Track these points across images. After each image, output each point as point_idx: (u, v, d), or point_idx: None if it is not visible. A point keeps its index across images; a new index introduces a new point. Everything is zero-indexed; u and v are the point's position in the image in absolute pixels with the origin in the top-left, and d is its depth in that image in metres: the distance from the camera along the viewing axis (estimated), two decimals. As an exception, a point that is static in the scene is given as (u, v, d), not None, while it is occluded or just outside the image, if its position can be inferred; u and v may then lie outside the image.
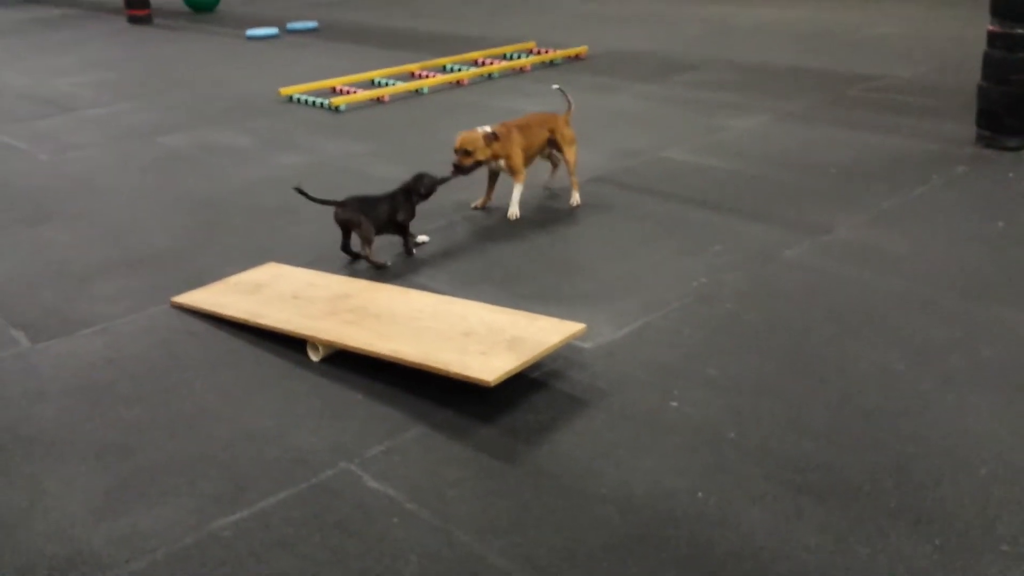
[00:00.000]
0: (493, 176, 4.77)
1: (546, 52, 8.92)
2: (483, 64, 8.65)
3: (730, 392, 2.93)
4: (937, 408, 2.82)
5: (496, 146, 4.52)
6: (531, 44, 9.33)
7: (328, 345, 3.22)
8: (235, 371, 3.24)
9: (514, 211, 4.64)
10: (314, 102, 7.42)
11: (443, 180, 4.40)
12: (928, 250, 4.01)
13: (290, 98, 7.65)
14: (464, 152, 4.46)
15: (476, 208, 4.80)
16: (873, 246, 4.08)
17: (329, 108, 7.24)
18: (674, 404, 2.87)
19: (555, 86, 5.34)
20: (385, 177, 5.42)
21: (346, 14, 12.81)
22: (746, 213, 4.56)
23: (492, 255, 4.21)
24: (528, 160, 4.74)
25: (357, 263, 4.17)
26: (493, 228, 4.55)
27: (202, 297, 3.76)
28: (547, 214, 4.69)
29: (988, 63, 5.32)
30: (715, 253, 4.09)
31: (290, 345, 3.36)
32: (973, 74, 7.32)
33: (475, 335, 3.09)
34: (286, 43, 10.65)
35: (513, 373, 2.82)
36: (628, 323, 3.45)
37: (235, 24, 12.23)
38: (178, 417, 2.97)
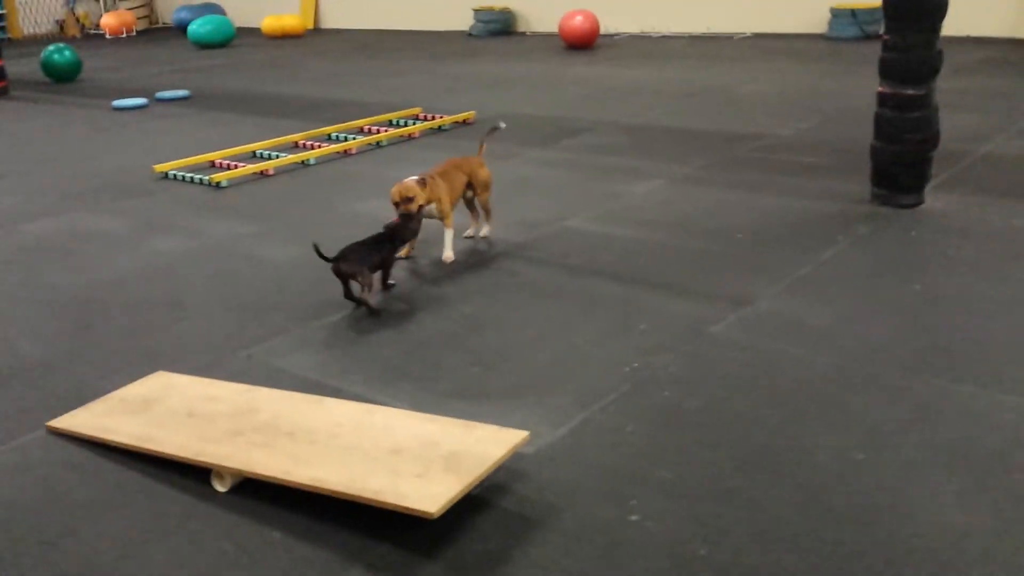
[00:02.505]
0: None
1: (434, 118, 8.74)
2: (370, 132, 8.40)
3: (689, 499, 2.72)
4: (907, 502, 2.68)
5: (427, 192, 4.69)
6: (417, 110, 9.15)
7: (236, 474, 2.84)
8: (128, 512, 2.81)
9: (449, 254, 4.88)
10: (192, 178, 6.98)
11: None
12: (853, 320, 3.95)
13: (165, 175, 7.18)
14: (406, 200, 4.58)
15: (401, 257, 4.89)
16: (797, 318, 3.99)
17: (209, 184, 6.82)
18: (634, 518, 2.63)
19: (502, 124, 5.64)
20: (277, 260, 5.07)
21: (218, 80, 12.35)
22: (663, 286, 4.43)
23: (406, 344, 3.91)
24: (452, 204, 4.94)
25: (358, 309, 4.30)
26: (404, 311, 4.26)
27: (83, 420, 3.31)
28: (457, 288, 4.43)
29: (880, 123, 5.43)
30: (641, 333, 3.91)
31: (190, 473, 2.96)
32: (852, 130, 7.58)
33: (406, 452, 2.78)
34: (156, 113, 10.12)
35: (457, 499, 2.52)
36: (565, 421, 3.21)
37: (100, 94, 11.58)
38: (62, 577, 2.53)
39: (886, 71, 5.31)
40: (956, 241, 4.86)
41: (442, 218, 4.87)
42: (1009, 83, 9.19)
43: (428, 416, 3.06)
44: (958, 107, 7.67)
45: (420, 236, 4.88)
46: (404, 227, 4.55)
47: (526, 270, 4.76)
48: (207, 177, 6.85)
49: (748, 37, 14.34)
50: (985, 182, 5.87)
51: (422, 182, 4.67)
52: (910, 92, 5.23)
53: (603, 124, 8.32)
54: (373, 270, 4.36)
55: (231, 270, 4.97)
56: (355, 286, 4.29)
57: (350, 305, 4.35)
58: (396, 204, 4.62)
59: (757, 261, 4.72)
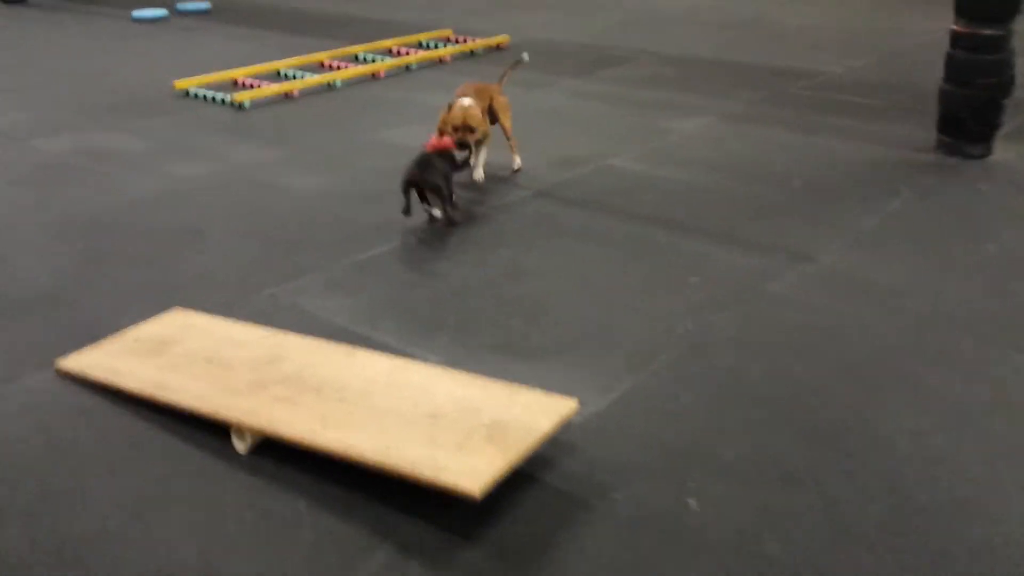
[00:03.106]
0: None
1: (465, 41, 8.32)
2: (399, 54, 8.01)
3: (753, 483, 2.47)
4: (996, 496, 2.43)
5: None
6: (448, 32, 8.72)
7: (258, 433, 2.61)
8: (140, 470, 2.60)
9: (480, 173, 4.81)
10: (214, 98, 6.65)
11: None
12: (924, 282, 3.64)
13: (186, 92, 6.85)
14: (468, 129, 4.49)
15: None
16: (864, 277, 3.69)
17: (231, 105, 6.49)
18: (692, 503, 2.39)
19: (525, 57, 5.39)
20: (303, 190, 4.79)
21: (241, -7, 11.87)
22: (715, 235, 4.13)
23: (442, 292, 3.64)
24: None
25: (432, 223, 4.27)
26: (438, 252, 3.98)
27: (94, 360, 3.08)
28: (492, 230, 4.14)
29: (951, 65, 5.02)
30: (693, 287, 3.63)
31: (207, 427, 2.73)
32: (910, 70, 7.15)
33: (444, 418, 2.54)
34: (177, 26, 9.72)
35: (501, 478, 2.28)
36: (614, 385, 2.95)
37: (120, 4, 11.17)
38: (65, 543, 2.32)
39: (962, 8, 4.88)
40: (1030, 197, 4.51)
41: (482, 141, 4.74)
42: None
43: (468, 376, 2.80)
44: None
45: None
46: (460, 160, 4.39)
47: (566, 212, 4.46)
48: (229, 96, 6.52)
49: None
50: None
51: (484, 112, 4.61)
52: (987, 32, 4.81)
53: (644, 54, 7.89)
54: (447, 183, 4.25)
55: (253, 199, 4.69)
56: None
57: (379, 242, 4.08)
58: (456, 129, 4.48)
59: (816, 211, 4.39)
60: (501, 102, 5.01)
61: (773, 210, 4.42)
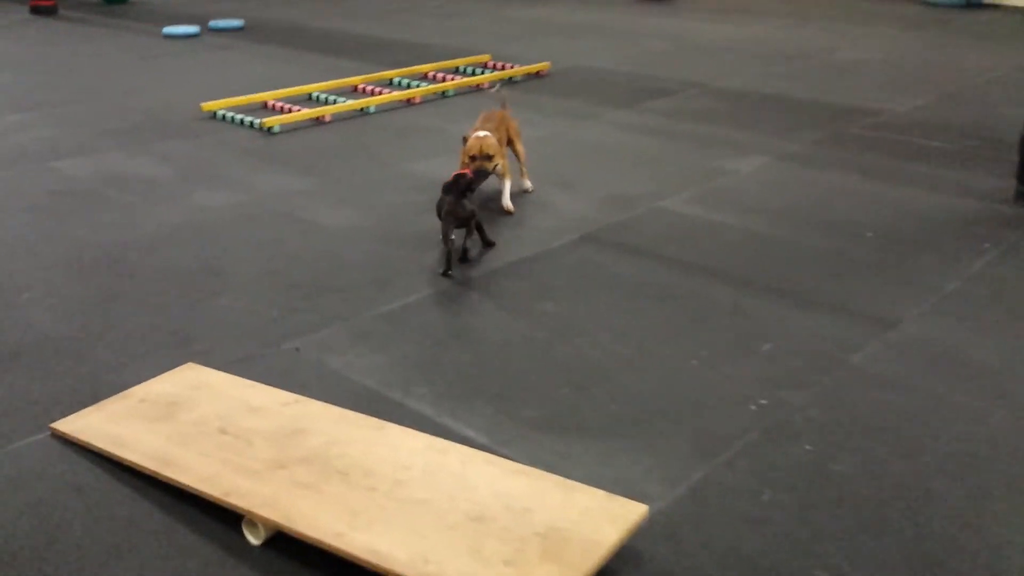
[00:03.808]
0: None
1: (504, 67, 8.01)
2: (435, 79, 7.70)
3: (858, 615, 2.08)
4: None
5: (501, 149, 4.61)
6: (486, 57, 8.41)
7: (275, 527, 2.25)
8: (138, 563, 2.24)
9: (508, 202, 4.69)
10: (242, 120, 6.36)
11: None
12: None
13: (214, 114, 6.57)
14: (486, 157, 4.45)
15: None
16: (954, 350, 3.29)
17: (260, 129, 6.20)
18: (788, 642, 2.00)
19: (496, 86, 5.35)
20: (332, 226, 4.46)
21: (274, 12, 11.67)
22: (785, 293, 3.74)
23: (481, 352, 3.28)
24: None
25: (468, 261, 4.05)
26: (476, 304, 3.63)
27: (94, 424, 2.74)
28: (535, 279, 3.78)
29: (1038, 112, 4.63)
30: (765, 356, 3.24)
31: (217, 512, 2.38)
32: (976, 111, 6.75)
33: (491, 521, 2.17)
34: (208, 44, 9.50)
35: (562, 609, 1.91)
36: (683, 477, 2.57)
37: (151, 19, 10.99)
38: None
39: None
40: None
41: (501, 174, 4.67)
42: None
43: (515, 465, 2.44)
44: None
45: (483, 212, 4.30)
46: (475, 182, 4.12)
47: (617, 261, 4.09)
48: (258, 121, 6.23)
49: (840, -3, 13.28)
50: None
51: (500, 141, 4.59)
52: (1083, 76, 4.41)
53: (691, 86, 7.53)
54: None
55: (279, 236, 4.36)
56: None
57: (411, 289, 3.73)
58: (473, 158, 4.45)
59: (893, 268, 4.00)
60: (514, 127, 5.02)
61: (845, 266, 4.02)
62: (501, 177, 4.72)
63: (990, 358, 3.23)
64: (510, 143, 4.97)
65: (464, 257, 4.05)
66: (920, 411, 2.90)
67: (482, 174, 4.31)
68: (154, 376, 3.07)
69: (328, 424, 2.67)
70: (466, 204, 3.97)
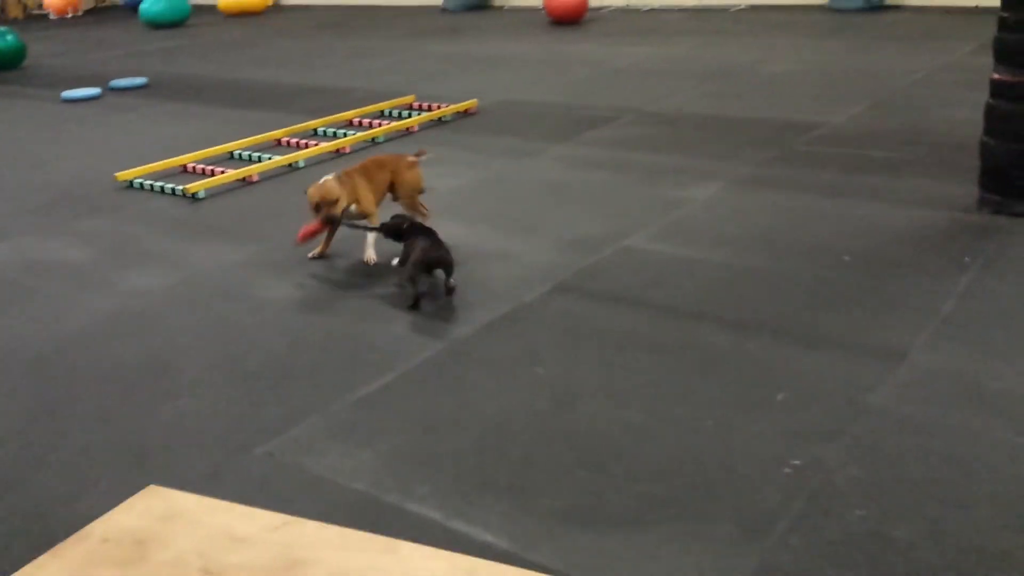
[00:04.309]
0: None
1: (432, 107, 7.74)
2: (360, 125, 7.39)
3: None
4: None
5: (348, 191, 4.36)
6: (410, 98, 8.14)
7: None
8: None
9: (371, 254, 4.47)
10: (163, 188, 5.93)
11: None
12: (1046, 382, 3.09)
13: (130, 183, 6.13)
14: (328, 203, 4.24)
15: (314, 257, 4.58)
16: (974, 379, 3.13)
17: (184, 195, 5.78)
18: None
19: (423, 156, 4.85)
20: (281, 300, 4.10)
21: (178, 66, 11.18)
22: (782, 332, 3.55)
23: (479, 434, 2.98)
24: (376, 203, 4.57)
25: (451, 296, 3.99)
26: (460, 377, 3.32)
27: (51, 580, 2.34)
28: (518, 339, 3.50)
29: (994, 117, 4.57)
30: (782, 407, 3.02)
31: (218, 677, 2.02)
32: (910, 116, 6.76)
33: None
34: (112, 106, 8.99)
35: None
36: (739, 566, 2.31)
37: (47, 83, 10.40)
38: None
39: (1005, 55, 4.46)
40: (1110, 261, 4.04)
41: (366, 216, 4.51)
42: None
43: (560, 580, 2.14)
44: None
45: (455, 259, 4.03)
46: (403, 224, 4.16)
47: (598, 311, 3.84)
48: (180, 187, 5.81)
49: (744, 9, 13.47)
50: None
51: (340, 180, 4.36)
52: (1036, 80, 4.37)
53: (625, 112, 7.39)
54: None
55: (226, 317, 3.99)
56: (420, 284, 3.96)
57: (384, 366, 3.41)
58: (317, 207, 4.26)
59: (882, 292, 3.85)
60: (408, 179, 4.66)
61: (834, 295, 3.86)
62: (368, 220, 4.49)
63: (1009, 386, 3.07)
64: (395, 194, 4.65)
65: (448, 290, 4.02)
66: (963, 455, 2.72)
67: (333, 222, 4.23)
68: (112, 504, 2.66)
69: (328, 551, 2.33)
70: (446, 251, 3.94)
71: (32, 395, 3.39)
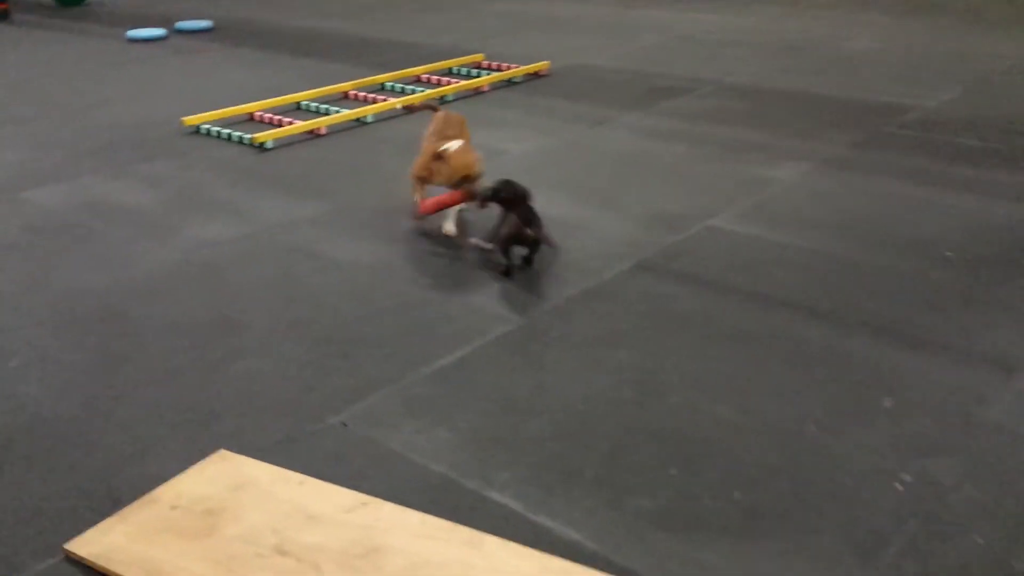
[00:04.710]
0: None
1: (500, 68, 7.51)
2: (428, 82, 7.19)
3: None
4: None
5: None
6: (479, 56, 7.91)
7: None
8: None
9: (450, 226, 4.23)
10: (230, 136, 5.81)
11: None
12: None
13: (197, 129, 6.01)
14: (474, 177, 4.01)
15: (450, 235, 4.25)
16: (1096, 396, 2.90)
17: (252, 145, 5.65)
18: None
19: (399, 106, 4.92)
20: (352, 261, 3.97)
21: (243, 11, 11.04)
22: (882, 330, 3.33)
23: (561, 419, 2.82)
24: None
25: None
26: (539, 355, 3.15)
27: (119, 544, 2.23)
28: (597, 319, 3.33)
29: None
30: (889, 415, 2.82)
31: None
32: (1007, 104, 6.41)
33: None
34: (177, 48, 8.87)
35: None
36: (849, 588, 2.14)
37: (113, 21, 10.32)
38: None
39: None
40: None
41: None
42: None
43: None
44: None
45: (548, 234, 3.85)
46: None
47: (682, 294, 3.65)
48: (248, 136, 5.69)
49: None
50: None
51: (469, 147, 4.10)
52: None
53: (701, 83, 7.11)
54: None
55: (295, 276, 3.86)
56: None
57: (460, 338, 3.26)
58: (463, 179, 3.99)
59: (988, 296, 3.60)
60: (467, 134, 4.42)
61: (937, 294, 3.62)
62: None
63: None
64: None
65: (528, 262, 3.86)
66: (1091, 482, 2.50)
67: (476, 197, 3.91)
68: (180, 467, 2.57)
69: (408, 538, 2.20)
70: (536, 220, 3.72)
71: (96, 346, 3.29)
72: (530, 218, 3.70)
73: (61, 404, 2.92)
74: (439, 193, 4.21)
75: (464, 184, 4.02)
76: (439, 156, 4.03)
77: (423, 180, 4.25)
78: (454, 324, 3.41)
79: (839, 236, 4.18)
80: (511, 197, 3.73)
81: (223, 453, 2.62)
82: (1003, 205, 4.52)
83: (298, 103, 6.57)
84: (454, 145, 4.06)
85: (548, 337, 3.32)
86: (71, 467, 2.61)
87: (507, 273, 3.77)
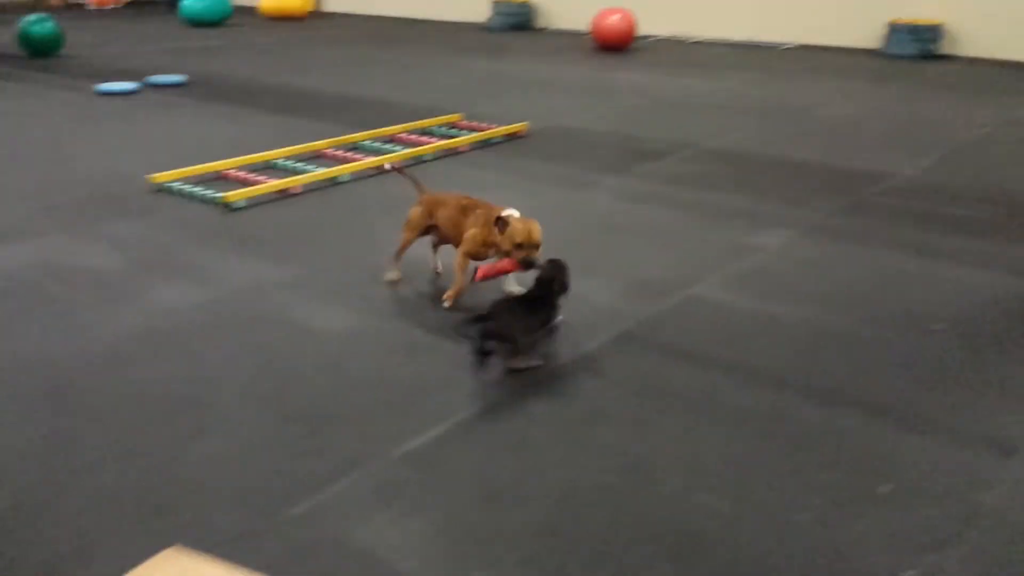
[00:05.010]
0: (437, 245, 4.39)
1: (480, 128, 7.44)
2: (403, 142, 7.09)
3: None
4: None
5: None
6: (456, 116, 7.85)
7: None
8: None
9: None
10: (199, 195, 5.64)
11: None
12: None
13: (165, 186, 5.84)
14: (533, 246, 3.68)
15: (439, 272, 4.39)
16: (1104, 484, 2.77)
17: (221, 204, 5.49)
18: None
19: (387, 166, 4.72)
20: (324, 328, 3.79)
21: (217, 65, 10.97)
22: (877, 409, 3.19)
23: (543, 506, 2.63)
24: None
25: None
26: (518, 434, 2.97)
27: (56, 660, 2.01)
28: (581, 398, 3.16)
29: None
30: (888, 502, 2.67)
31: None
32: (988, 172, 6.39)
33: None
34: (149, 102, 8.74)
35: None
36: None
37: (83, 74, 10.19)
38: None
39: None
40: None
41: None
42: None
43: None
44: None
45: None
46: (556, 280, 3.56)
47: (668, 368, 3.50)
48: (218, 195, 5.52)
49: (793, 48, 13.17)
50: None
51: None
52: None
53: (682, 146, 7.07)
54: (528, 336, 3.43)
55: (264, 345, 3.67)
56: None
57: (435, 415, 3.08)
58: (519, 246, 3.68)
59: (981, 371, 3.49)
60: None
61: (931, 370, 3.50)
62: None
63: None
64: (443, 238, 4.19)
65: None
66: (1109, 582, 2.36)
67: (530, 267, 3.64)
68: (128, 565, 2.34)
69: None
70: (490, 325, 3.34)
71: (47, 422, 3.07)
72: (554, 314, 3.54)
73: (2, 492, 2.70)
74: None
75: (522, 251, 3.67)
76: (501, 221, 3.76)
77: (476, 256, 3.99)
78: (431, 399, 3.23)
79: (827, 307, 4.07)
80: (559, 289, 3.54)
81: (176, 550, 2.40)
82: (989, 276, 4.44)
83: (271, 161, 6.44)
84: (512, 213, 3.80)
85: (529, 415, 3.15)
86: (6, 565, 2.38)
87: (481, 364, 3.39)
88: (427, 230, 4.27)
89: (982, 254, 4.74)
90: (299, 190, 5.80)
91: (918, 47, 12.11)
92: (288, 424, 3.06)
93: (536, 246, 3.68)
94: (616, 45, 12.95)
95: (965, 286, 4.33)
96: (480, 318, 3.34)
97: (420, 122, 7.59)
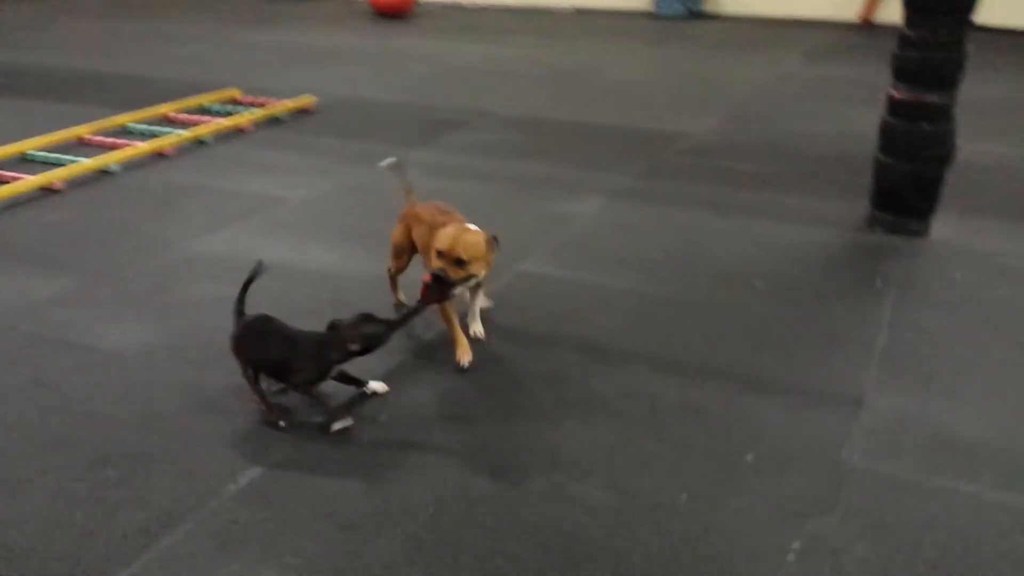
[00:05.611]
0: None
1: (264, 104, 6.91)
2: (179, 123, 6.45)
3: None
4: None
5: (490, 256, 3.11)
6: (234, 91, 7.25)
7: None
8: None
9: (478, 327, 3.45)
10: (-61, 199, 4.83)
11: (403, 320, 2.86)
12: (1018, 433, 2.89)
13: None
14: (458, 262, 2.98)
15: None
16: (945, 429, 2.87)
17: (-32, 209, 4.72)
18: None
19: (386, 161, 3.76)
20: (123, 349, 3.31)
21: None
22: (723, 375, 3.18)
23: (406, 527, 2.39)
24: None
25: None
26: (363, 451, 2.70)
27: None
28: (436, 391, 2.93)
29: (891, 136, 4.44)
30: (756, 471, 2.64)
31: None
32: (769, 128, 6.68)
33: None
34: None
35: None
36: None
37: None
38: None
39: (904, 72, 4.32)
40: (1012, 282, 3.98)
41: (479, 287, 3.40)
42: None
43: None
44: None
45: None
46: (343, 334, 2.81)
47: (511, 352, 3.33)
48: (-36, 198, 4.75)
49: (570, 13, 13.34)
50: (978, 201, 5.06)
51: (495, 242, 3.11)
52: (933, 99, 4.28)
53: (480, 115, 6.90)
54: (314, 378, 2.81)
55: (46, 374, 3.13)
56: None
57: (270, 441, 2.73)
58: (438, 254, 3.01)
59: (810, 324, 3.58)
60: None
61: (762, 327, 3.55)
62: (479, 291, 3.44)
63: (987, 435, 2.84)
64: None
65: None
66: (972, 523, 2.43)
67: (445, 290, 3.00)
68: None
69: None
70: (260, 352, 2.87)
71: None
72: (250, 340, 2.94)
73: None
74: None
75: (438, 262, 3.02)
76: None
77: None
78: (258, 421, 2.87)
79: (652, 273, 4.05)
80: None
81: (-27, 649, 1.95)
82: (791, 228, 4.60)
83: (23, 153, 5.63)
84: (459, 224, 3.17)
85: (374, 422, 2.87)
86: None
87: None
88: (414, 248, 3.58)
89: (780, 207, 4.91)
90: (62, 186, 5.10)
91: (685, 7, 12.58)
92: (94, 471, 2.61)
93: (457, 260, 2.98)
94: (394, 12, 12.54)
95: (772, 240, 4.45)
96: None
97: (195, 99, 6.92)
